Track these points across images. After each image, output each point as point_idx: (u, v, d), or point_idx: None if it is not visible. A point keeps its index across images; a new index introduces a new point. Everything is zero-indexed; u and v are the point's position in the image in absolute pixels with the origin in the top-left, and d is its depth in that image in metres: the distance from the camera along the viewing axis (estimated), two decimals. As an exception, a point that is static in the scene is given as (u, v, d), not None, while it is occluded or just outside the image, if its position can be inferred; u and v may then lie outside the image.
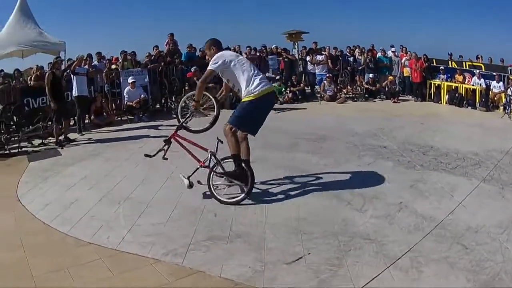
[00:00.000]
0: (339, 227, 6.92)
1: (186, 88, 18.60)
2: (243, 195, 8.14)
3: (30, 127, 14.18)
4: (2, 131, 13.20)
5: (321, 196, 8.23)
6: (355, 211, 7.51)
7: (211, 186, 8.38)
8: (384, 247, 6.25)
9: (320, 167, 9.97)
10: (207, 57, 8.73)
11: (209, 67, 8.09)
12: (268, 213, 7.54)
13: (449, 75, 20.62)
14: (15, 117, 14.98)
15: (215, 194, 8.28)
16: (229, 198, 8.20)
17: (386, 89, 20.92)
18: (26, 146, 13.46)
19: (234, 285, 5.52)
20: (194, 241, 6.66)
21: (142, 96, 17.30)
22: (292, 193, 8.46)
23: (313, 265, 5.84)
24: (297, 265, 5.88)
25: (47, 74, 13.70)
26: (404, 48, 22.57)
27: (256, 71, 8.18)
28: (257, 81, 7.99)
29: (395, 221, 7.10)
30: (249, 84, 8.00)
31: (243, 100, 8.13)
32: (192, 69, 18.91)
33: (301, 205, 7.84)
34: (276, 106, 18.66)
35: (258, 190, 8.58)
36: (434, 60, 21.86)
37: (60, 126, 13.68)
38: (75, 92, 15.22)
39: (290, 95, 20.32)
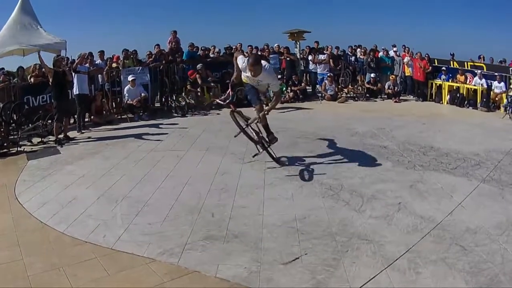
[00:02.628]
0: (337, 227, 6.91)
1: (188, 86, 18.59)
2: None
3: (30, 125, 14.16)
4: (2, 129, 13.12)
5: (320, 196, 8.23)
6: (353, 211, 7.50)
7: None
8: (382, 247, 6.24)
9: (319, 166, 9.95)
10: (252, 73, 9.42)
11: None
12: (266, 213, 7.54)
13: (450, 75, 20.51)
14: (14, 115, 14.96)
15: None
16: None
17: (388, 88, 20.81)
18: (25, 145, 13.43)
19: (230, 285, 5.52)
20: (191, 240, 6.66)
21: (142, 94, 17.21)
22: (290, 192, 8.45)
23: (310, 265, 5.85)
24: (293, 266, 5.88)
25: (49, 72, 13.69)
26: (406, 48, 22.45)
27: None
28: None
29: (394, 221, 7.09)
30: None
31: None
32: (198, 67, 19.04)
33: (299, 205, 7.85)
34: (277, 105, 18.77)
35: (256, 190, 8.58)
36: (436, 60, 21.71)
37: (60, 125, 13.63)
38: (75, 90, 15.20)
39: (291, 94, 20.23)
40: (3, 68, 18.14)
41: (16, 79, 16.99)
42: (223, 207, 7.85)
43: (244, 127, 9.90)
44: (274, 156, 10.03)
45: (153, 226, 7.17)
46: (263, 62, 9.59)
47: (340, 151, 11.20)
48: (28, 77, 17.19)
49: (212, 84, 19.37)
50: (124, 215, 7.64)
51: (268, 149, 9.95)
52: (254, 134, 9.95)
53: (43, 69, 15.56)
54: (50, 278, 5.79)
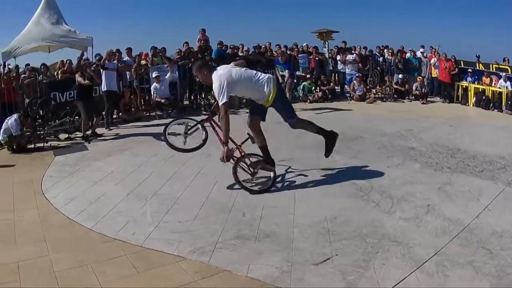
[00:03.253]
0: (367, 228, 6.87)
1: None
2: (271, 182, 8.57)
3: (57, 121, 14.23)
4: (28, 125, 13.17)
5: (350, 197, 8.18)
6: (384, 213, 7.45)
7: (239, 179, 8.57)
8: (411, 250, 6.19)
9: (349, 167, 9.92)
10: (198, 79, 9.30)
11: (220, 104, 7.96)
12: (297, 213, 7.49)
13: (476, 77, 20.35)
14: (41, 111, 15.04)
15: (244, 185, 8.50)
16: (259, 187, 8.55)
17: (415, 89, 20.65)
18: (52, 140, 13.55)
19: (261, 285, 5.48)
20: (222, 239, 6.62)
21: (170, 95, 17.27)
22: (321, 193, 8.41)
23: (341, 266, 5.81)
24: (324, 266, 5.84)
25: (76, 75, 13.77)
26: (433, 49, 22.30)
27: (254, 73, 8.48)
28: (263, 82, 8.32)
29: (423, 223, 7.04)
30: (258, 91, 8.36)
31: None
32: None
33: (330, 205, 7.78)
34: (306, 105, 19.05)
35: (287, 190, 8.54)
36: (462, 62, 21.69)
37: (90, 122, 13.71)
38: (104, 87, 15.32)
39: (319, 94, 20.29)
40: (28, 64, 18.29)
41: (41, 75, 17.11)
42: (254, 206, 7.79)
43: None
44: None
45: (184, 224, 7.14)
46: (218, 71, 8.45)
47: (369, 152, 11.17)
48: (55, 73, 17.32)
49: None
50: (154, 213, 7.63)
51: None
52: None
53: (71, 66, 15.76)
54: (77, 274, 5.78)
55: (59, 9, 19.43)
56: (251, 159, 8.93)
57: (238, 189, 8.52)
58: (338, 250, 6.19)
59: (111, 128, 15.03)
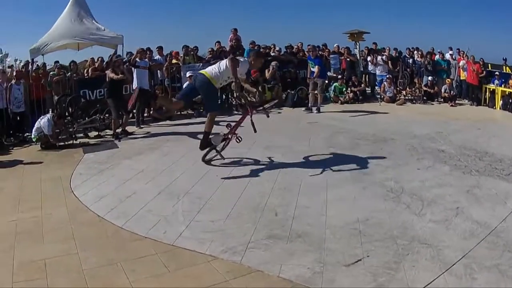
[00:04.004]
0: (398, 230, 6.90)
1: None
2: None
3: (87, 118, 14.33)
4: (58, 122, 13.27)
5: (381, 198, 8.22)
6: (414, 215, 7.48)
7: None
8: (441, 252, 6.22)
9: (380, 168, 9.95)
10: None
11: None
12: (329, 214, 7.51)
13: (503, 80, 20.32)
14: (70, 108, 15.16)
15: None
16: None
17: (444, 92, 20.63)
18: (81, 138, 13.71)
19: (293, 285, 5.49)
20: (254, 239, 6.63)
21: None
22: (353, 194, 8.44)
23: (372, 268, 5.83)
24: (355, 268, 5.86)
25: (107, 71, 13.88)
26: (461, 52, 22.37)
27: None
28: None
29: (452, 226, 7.07)
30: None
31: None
32: (273, 63, 19.35)
33: (362, 206, 7.83)
34: (337, 106, 19.28)
35: (319, 191, 8.54)
36: (489, 65, 21.81)
37: (119, 120, 13.80)
38: (135, 85, 15.35)
39: (350, 95, 20.43)
40: (57, 61, 18.46)
41: (69, 72, 17.26)
42: (286, 207, 7.82)
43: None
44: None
45: (216, 223, 7.16)
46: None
47: (400, 154, 11.22)
48: (85, 71, 17.46)
49: (276, 85, 19.39)
50: (186, 212, 7.65)
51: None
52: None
53: (103, 63, 15.89)
54: (106, 272, 5.81)
55: (88, 7, 19.65)
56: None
57: (270, 189, 8.56)
58: (369, 252, 6.23)
59: (142, 126, 15.16)
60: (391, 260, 5.99)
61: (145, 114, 16.54)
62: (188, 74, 17.29)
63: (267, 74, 19.13)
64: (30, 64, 17.57)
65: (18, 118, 14.50)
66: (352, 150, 11.41)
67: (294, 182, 8.98)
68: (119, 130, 13.83)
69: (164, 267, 5.87)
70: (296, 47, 21.92)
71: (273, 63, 19.44)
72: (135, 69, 15.28)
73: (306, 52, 20.65)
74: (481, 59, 21.13)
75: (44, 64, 18.12)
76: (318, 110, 17.42)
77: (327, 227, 6.98)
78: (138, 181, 9.36)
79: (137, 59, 15.50)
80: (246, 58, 9.93)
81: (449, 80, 21.13)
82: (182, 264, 5.96)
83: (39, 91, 15.34)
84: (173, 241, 6.59)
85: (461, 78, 21.43)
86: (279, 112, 17.63)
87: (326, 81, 20.06)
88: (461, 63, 21.31)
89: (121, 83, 14.49)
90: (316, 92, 17.41)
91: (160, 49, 19.07)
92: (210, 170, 9.83)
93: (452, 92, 20.67)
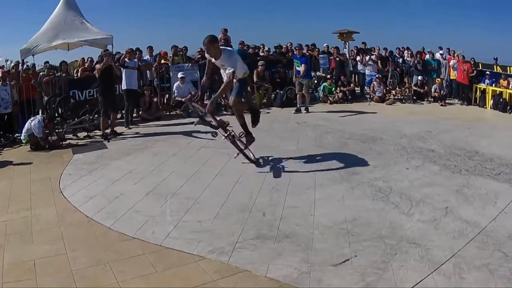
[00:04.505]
0: (386, 230, 6.97)
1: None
2: None
3: (76, 119, 14.38)
4: (47, 123, 13.30)
5: (370, 198, 8.30)
6: (403, 215, 7.55)
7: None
8: (429, 251, 6.29)
9: (369, 168, 10.04)
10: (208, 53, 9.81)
11: (230, 71, 9.37)
12: (317, 214, 7.58)
13: (494, 79, 20.53)
14: (60, 109, 15.20)
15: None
16: None
17: (434, 91, 20.86)
18: (70, 138, 13.75)
19: (280, 285, 5.56)
20: (241, 239, 6.70)
21: (192, 92, 17.22)
22: (341, 193, 8.51)
23: (360, 267, 5.90)
24: (343, 267, 5.92)
25: (102, 64, 13.87)
26: (452, 51, 22.62)
27: None
28: None
29: (441, 226, 7.14)
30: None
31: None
32: (260, 63, 19.55)
33: (350, 206, 7.91)
34: (326, 106, 19.39)
35: (307, 191, 8.61)
36: (480, 64, 22.06)
37: (107, 119, 13.84)
38: (124, 85, 15.38)
39: (340, 95, 20.49)
40: (47, 62, 18.50)
41: (59, 73, 17.28)
42: (274, 207, 7.89)
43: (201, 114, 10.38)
44: (252, 158, 10.18)
45: (203, 224, 7.22)
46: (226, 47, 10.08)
47: (389, 153, 11.29)
48: (74, 71, 17.50)
49: (267, 85, 19.49)
50: (174, 212, 7.71)
51: (245, 150, 10.11)
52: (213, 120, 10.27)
53: (93, 64, 15.92)
54: (95, 273, 5.88)
55: (78, 7, 19.69)
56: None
57: (258, 189, 8.62)
58: (357, 251, 6.29)
59: (130, 127, 15.19)
60: (379, 259, 6.06)
61: (134, 115, 16.54)
62: (179, 75, 17.44)
63: (255, 73, 19.15)
64: (20, 64, 17.62)
65: (6, 119, 14.48)
66: (341, 149, 11.49)
67: (282, 182, 9.06)
68: (108, 131, 13.85)
69: (152, 267, 5.94)
70: (285, 47, 22.02)
71: (260, 62, 19.52)
72: (124, 69, 15.28)
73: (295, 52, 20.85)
74: (472, 59, 21.31)
75: (33, 64, 18.17)
76: (307, 110, 17.47)
77: (315, 227, 7.04)
78: (127, 181, 9.41)
79: (126, 59, 15.53)
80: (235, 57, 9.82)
81: (439, 79, 21.25)
82: (170, 264, 6.03)
83: (29, 92, 15.34)
84: (161, 241, 6.65)
85: (451, 77, 21.54)
86: (268, 112, 17.61)
87: (315, 81, 20.22)
88: (451, 63, 21.39)
89: (113, 81, 14.52)
90: (303, 92, 17.51)
91: (150, 49, 19.09)
92: (198, 170, 9.88)
93: (442, 91, 20.77)
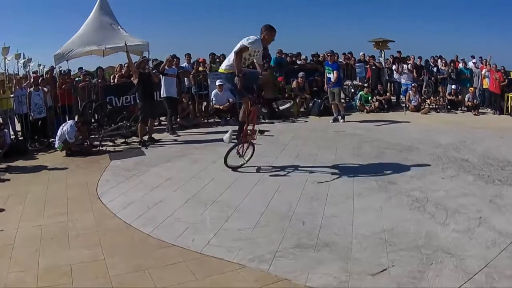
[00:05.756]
0: (422, 240, 6.95)
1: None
2: None
3: (113, 125, 14.49)
4: (84, 128, 13.45)
5: (407, 208, 8.30)
6: (438, 225, 7.53)
7: None
8: (463, 261, 6.26)
9: (406, 178, 10.01)
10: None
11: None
12: (356, 223, 7.58)
13: None
14: (96, 115, 15.34)
15: None
16: None
17: (467, 101, 20.81)
18: (107, 145, 13.91)
19: None
20: (281, 248, 6.69)
21: (230, 100, 17.35)
22: (379, 203, 8.50)
23: (397, 277, 5.89)
24: (381, 277, 5.92)
25: (136, 65, 14.01)
26: (484, 60, 22.52)
27: None
28: None
29: (475, 236, 7.10)
30: None
31: None
32: (300, 74, 19.74)
33: (387, 216, 7.91)
34: (363, 115, 19.57)
35: (346, 200, 8.64)
36: (511, 73, 21.93)
37: (145, 126, 13.94)
38: (163, 93, 15.56)
39: (376, 104, 20.57)
40: (81, 68, 18.71)
41: (95, 79, 17.46)
42: (313, 216, 7.88)
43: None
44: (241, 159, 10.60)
45: (243, 232, 7.24)
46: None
47: (425, 163, 11.27)
48: (111, 77, 17.65)
49: (307, 95, 19.54)
50: (214, 220, 7.74)
51: (238, 147, 10.58)
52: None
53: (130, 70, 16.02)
54: (133, 279, 5.91)
55: (113, 13, 19.90)
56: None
57: (298, 198, 8.63)
58: (394, 261, 6.28)
59: (177, 133, 15.37)
60: (416, 269, 6.06)
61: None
62: (218, 82, 17.48)
63: (294, 84, 19.35)
64: (54, 69, 17.85)
65: (40, 124, 14.74)
66: (378, 159, 11.56)
67: (321, 191, 9.06)
68: (145, 138, 13.98)
69: (192, 274, 5.95)
70: (322, 55, 21.92)
71: (300, 73, 19.70)
72: (163, 77, 15.42)
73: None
74: (503, 67, 21.27)
75: (68, 70, 18.39)
76: (344, 119, 17.49)
77: (354, 236, 7.06)
78: (166, 188, 9.48)
79: (166, 67, 15.65)
80: (258, 37, 9.86)
81: (472, 88, 21.26)
82: (210, 272, 6.03)
83: (64, 97, 15.58)
84: (201, 249, 6.67)
85: (484, 86, 21.56)
86: (305, 121, 17.85)
87: (352, 89, 20.26)
88: (483, 71, 21.46)
89: (152, 88, 14.60)
90: (336, 102, 17.50)
91: (188, 56, 19.25)
92: (238, 178, 9.93)
93: (475, 100, 20.82)
